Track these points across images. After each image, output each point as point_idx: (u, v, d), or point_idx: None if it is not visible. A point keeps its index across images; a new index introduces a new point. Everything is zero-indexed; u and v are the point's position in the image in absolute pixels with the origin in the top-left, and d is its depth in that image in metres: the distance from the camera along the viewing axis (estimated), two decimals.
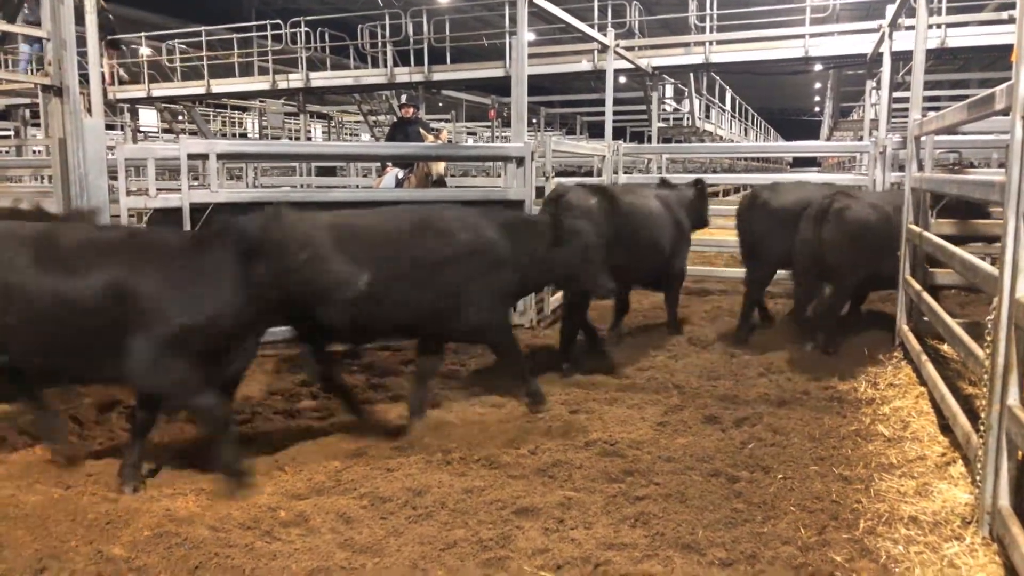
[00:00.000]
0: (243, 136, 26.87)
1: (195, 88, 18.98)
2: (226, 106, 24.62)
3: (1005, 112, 3.05)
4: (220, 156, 6.14)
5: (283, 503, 3.54)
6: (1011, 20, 11.93)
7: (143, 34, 19.84)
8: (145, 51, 19.82)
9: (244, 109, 25.59)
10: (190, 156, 5.91)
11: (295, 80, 17.62)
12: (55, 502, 3.57)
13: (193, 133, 21.14)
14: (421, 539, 3.20)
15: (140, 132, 21.80)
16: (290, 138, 23.28)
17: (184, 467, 4.02)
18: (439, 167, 9.22)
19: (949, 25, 12.57)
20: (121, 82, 17.12)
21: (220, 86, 18.81)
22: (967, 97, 4.01)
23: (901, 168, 7.39)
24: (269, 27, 17.84)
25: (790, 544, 3.08)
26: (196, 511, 3.47)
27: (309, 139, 20.94)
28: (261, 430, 4.57)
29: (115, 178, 5.69)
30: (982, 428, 3.11)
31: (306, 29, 17.45)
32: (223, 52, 19.16)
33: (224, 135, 25.62)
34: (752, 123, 32.09)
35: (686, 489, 3.61)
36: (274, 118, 24.00)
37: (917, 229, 5.41)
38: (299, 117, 19.86)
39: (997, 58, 13.24)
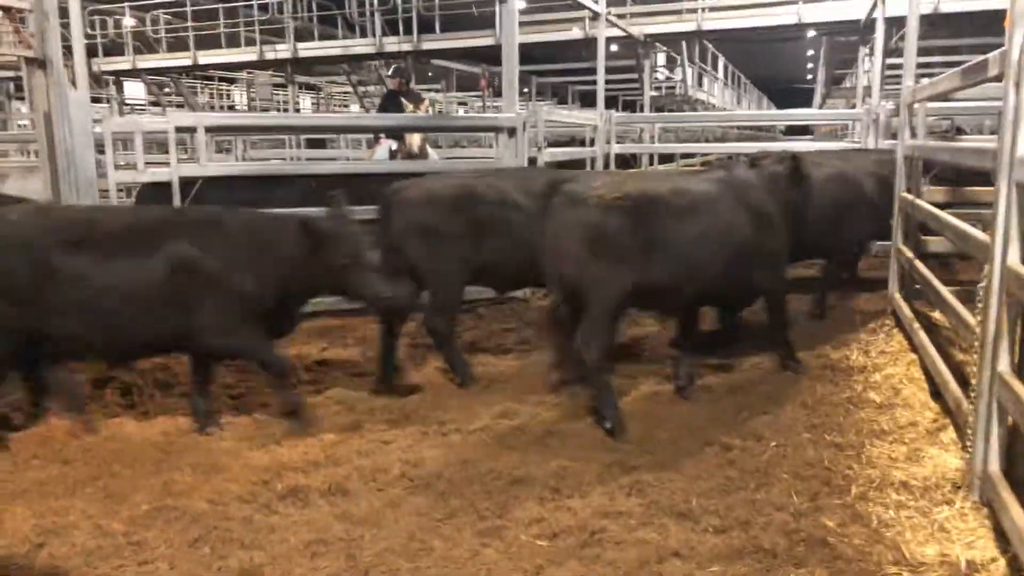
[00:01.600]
0: (231, 108, 26.54)
1: (181, 60, 18.73)
2: (213, 78, 24.31)
3: (998, 79, 3.03)
4: (209, 129, 6.10)
5: (280, 476, 3.56)
6: None
7: (127, 4, 19.51)
8: (129, 22, 19.50)
9: (231, 81, 25.26)
10: (178, 129, 5.85)
11: (282, 51, 17.40)
12: (53, 477, 3.59)
13: (180, 105, 20.89)
14: (418, 510, 3.23)
15: (126, 105, 21.53)
16: (279, 110, 23.03)
17: (181, 440, 4.03)
18: (414, 141, 8.97)
19: None
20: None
21: (207, 57, 18.57)
22: (960, 63, 3.99)
23: (894, 136, 7.37)
24: None
25: (783, 510, 3.12)
26: (194, 485, 3.48)
27: (298, 111, 20.75)
28: (256, 403, 4.58)
29: (102, 152, 5.63)
30: (973, 394, 3.14)
31: None
32: (209, 23, 18.86)
33: (212, 107, 25.28)
34: (745, 91, 31.90)
35: (680, 458, 3.65)
36: (262, 90, 23.69)
37: (910, 197, 5.41)
38: (287, 88, 19.64)
39: (990, 23, 13.14)
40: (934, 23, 12.93)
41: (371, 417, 4.31)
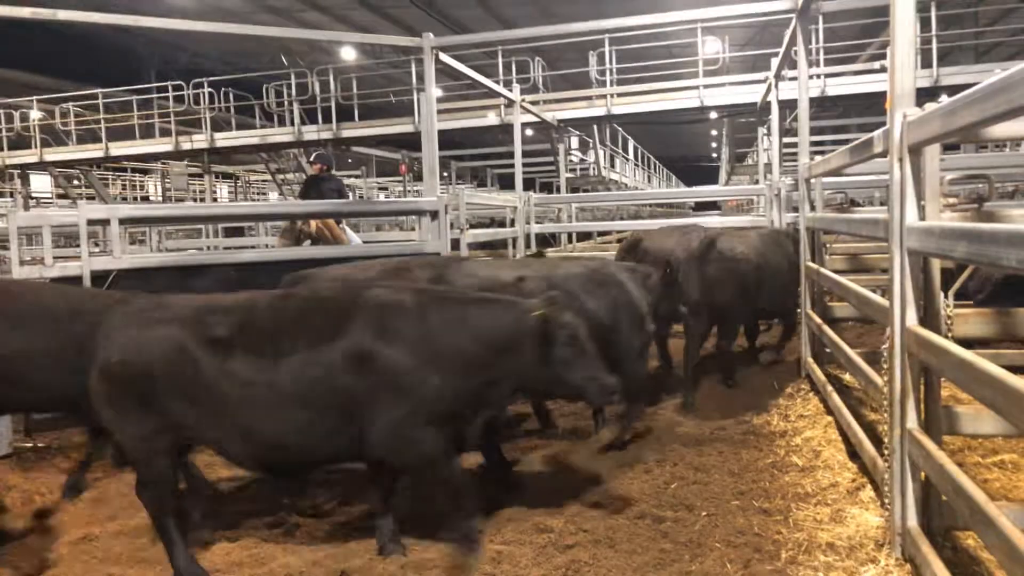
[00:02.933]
0: (145, 199, 26.06)
1: (92, 152, 18.34)
2: (125, 169, 23.86)
3: (883, 155, 3.28)
4: (123, 221, 5.95)
5: None
6: (883, 69, 12.92)
7: (34, 98, 19.14)
8: (36, 115, 19.07)
9: (145, 171, 24.86)
10: (90, 222, 5.70)
11: (199, 141, 17.27)
12: None
13: (90, 198, 20.35)
14: None
15: (32, 198, 20.85)
16: (195, 199, 22.70)
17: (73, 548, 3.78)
18: (311, 223, 8.86)
19: (827, 75, 13.51)
20: None
21: (120, 149, 18.23)
22: (849, 140, 4.31)
23: (795, 209, 7.81)
24: (171, 88, 17.51)
25: None
26: None
27: (215, 200, 20.51)
28: None
29: (6, 247, 5.42)
30: (886, 452, 3.26)
31: (210, 90, 17.21)
32: (122, 114, 18.61)
33: (124, 198, 24.80)
34: (654, 170, 33.33)
35: (614, 533, 3.64)
36: (177, 179, 23.36)
37: (814, 266, 5.71)
38: (204, 178, 19.44)
39: (872, 103, 14.29)
40: (823, 104, 13.96)
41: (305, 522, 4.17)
